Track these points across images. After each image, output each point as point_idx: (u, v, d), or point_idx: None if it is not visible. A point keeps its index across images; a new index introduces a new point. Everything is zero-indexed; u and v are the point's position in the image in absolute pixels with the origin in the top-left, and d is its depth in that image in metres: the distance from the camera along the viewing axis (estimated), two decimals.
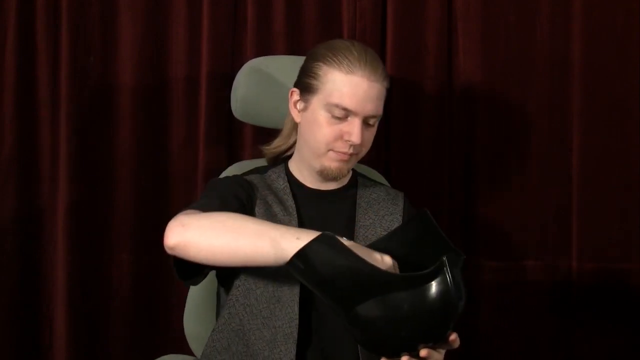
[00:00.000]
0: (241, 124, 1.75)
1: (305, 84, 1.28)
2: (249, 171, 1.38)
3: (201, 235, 1.09)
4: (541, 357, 1.84)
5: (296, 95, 1.32)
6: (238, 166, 1.58)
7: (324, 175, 1.29)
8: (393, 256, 1.08)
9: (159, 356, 1.46)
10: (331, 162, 1.27)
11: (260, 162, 1.53)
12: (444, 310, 1.01)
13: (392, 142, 1.81)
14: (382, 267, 1.05)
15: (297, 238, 1.04)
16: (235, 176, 1.34)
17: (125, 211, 1.77)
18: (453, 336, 1.07)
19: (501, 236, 1.83)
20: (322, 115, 1.25)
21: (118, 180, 1.78)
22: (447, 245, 1.09)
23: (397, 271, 1.09)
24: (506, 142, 1.84)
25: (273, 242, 1.06)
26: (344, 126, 1.25)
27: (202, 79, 1.78)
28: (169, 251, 1.12)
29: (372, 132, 1.29)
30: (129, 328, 1.78)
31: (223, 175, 1.54)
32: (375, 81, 1.24)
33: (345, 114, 1.24)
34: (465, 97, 1.83)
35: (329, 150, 1.26)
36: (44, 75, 1.76)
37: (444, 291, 1.01)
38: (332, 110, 1.24)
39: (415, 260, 1.10)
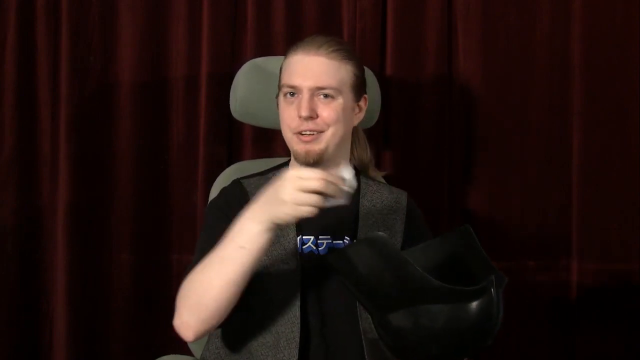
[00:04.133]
0: (241, 124, 1.75)
1: (278, 83, 1.34)
2: (251, 175, 1.38)
3: (195, 314, 1.14)
4: (541, 357, 1.84)
5: (276, 99, 1.36)
6: (238, 166, 1.58)
7: (299, 161, 1.29)
8: (425, 268, 1.03)
9: (159, 356, 1.46)
10: (298, 146, 1.28)
11: (260, 162, 1.54)
12: (480, 329, 1.00)
13: (392, 142, 1.81)
14: (289, 192, 1.05)
15: (241, 247, 1.10)
16: (230, 189, 1.35)
17: (125, 211, 1.77)
18: None
19: (501, 236, 1.83)
20: (281, 102, 1.31)
21: (118, 180, 1.78)
22: (487, 264, 1.07)
23: (303, 177, 1.06)
24: (506, 142, 1.84)
25: (231, 263, 1.11)
26: (297, 104, 1.27)
27: (202, 79, 1.78)
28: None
29: (332, 107, 1.27)
30: (129, 328, 1.78)
31: (223, 175, 1.54)
32: (316, 55, 1.27)
33: (293, 91, 1.27)
34: (465, 97, 1.83)
35: (292, 133, 1.28)
36: (44, 75, 1.76)
37: (486, 310, 0.99)
38: (284, 93, 1.29)
39: (450, 274, 1.06)
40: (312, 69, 1.26)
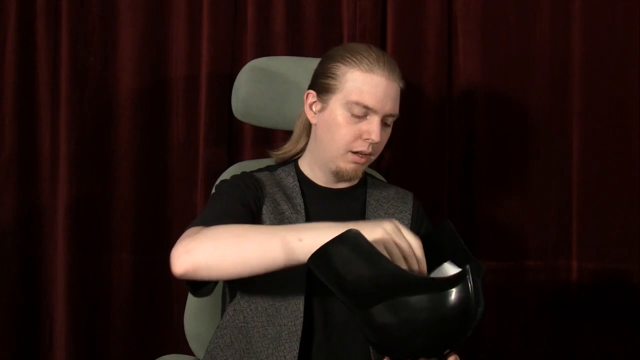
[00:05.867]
0: (241, 124, 1.75)
1: (323, 85, 1.28)
2: (258, 169, 1.38)
3: (207, 255, 1.07)
4: (541, 357, 1.84)
5: (312, 97, 1.31)
6: (238, 166, 1.58)
7: (339, 176, 1.29)
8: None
9: (159, 356, 1.46)
10: (347, 164, 1.27)
11: (260, 162, 1.54)
12: (461, 318, 1.00)
13: (392, 142, 1.81)
14: (383, 233, 1.03)
15: (300, 239, 1.04)
16: (243, 175, 1.33)
17: (125, 211, 1.77)
18: (452, 357, 1.07)
19: (501, 236, 1.83)
20: (341, 115, 1.25)
21: (118, 180, 1.78)
22: (467, 256, 1.08)
23: (403, 233, 1.05)
24: (506, 142, 1.84)
25: (280, 244, 1.05)
26: (362, 125, 1.25)
27: (202, 79, 1.78)
28: (179, 277, 1.09)
29: (387, 133, 1.30)
30: (129, 328, 1.78)
31: (223, 175, 1.54)
32: (393, 80, 1.25)
33: (365, 112, 1.24)
34: (465, 97, 1.83)
35: (347, 151, 1.26)
36: (44, 75, 1.76)
37: (464, 299, 0.99)
38: (351, 109, 1.24)
39: (431, 269, 1.07)
40: (391, 96, 1.25)
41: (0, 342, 1.74)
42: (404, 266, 1.03)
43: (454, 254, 1.10)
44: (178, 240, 1.10)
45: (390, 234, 1.03)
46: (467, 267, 1.00)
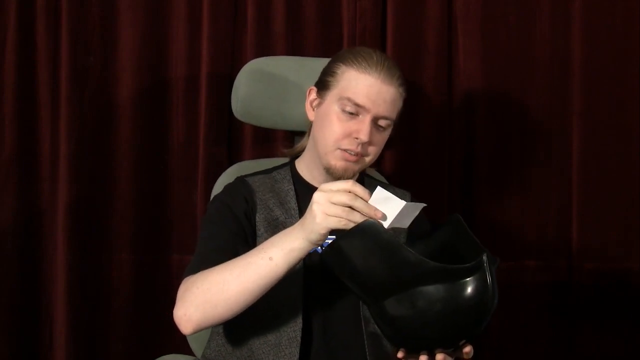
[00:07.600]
0: (241, 124, 1.75)
1: (323, 82, 1.31)
2: (254, 172, 1.38)
3: (201, 310, 1.13)
4: (541, 357, 1.84)
5: (313, 94, 1.33)
6: (238, 166, 1.58)
7: (330, 174, 1.29)
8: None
9: (159, 356, 1.46)
10: (337, 161, 1.27)
11: (260, 162, 1.54)
12: (477, 309, 1.00)
13: (392, 142, 1.81)
14: (319, 208, 1.04)
15: (270, 258, 1.09)
16: (234, 187, 1.34)
17: (125, 211, 1.77)
18: (467, 348, 1.07)
19: (501, 236, 1.83)
20: (333, 111, 1.26)
21: (118, 180, 1.77)
22: (478, 248, 1.08)
23: (332, 189, 1.06)
24: (506, 143, 1.84)
25: (256, 272, 1.10)
26: (353, 124, 1.25)
27: (202, 79, 1.78)
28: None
29: (383, 137, 1.29)
30: (129, 328, 1.78)
31: (223, 176, 1.54)
32: (389, 85, 1.25)
33: (356, 109, 1.24)
34: (465, 97, 1.83)
35: (336, 148, 1.26)
36: (44, 75, 1.76)
37: (481, 288, 1.00)
38: (343, 105, 1.25)
39: (443, 262, 1.06)
40: (384, 98, 1.25)
41: (0, 342, 1.74)
42: (358, 219, 1.02)
43: (464, 247, 1.10)
44: (177, 297, 1.15)
45: (324, 202, 1.05)
46: (484, 256, 0.99)
